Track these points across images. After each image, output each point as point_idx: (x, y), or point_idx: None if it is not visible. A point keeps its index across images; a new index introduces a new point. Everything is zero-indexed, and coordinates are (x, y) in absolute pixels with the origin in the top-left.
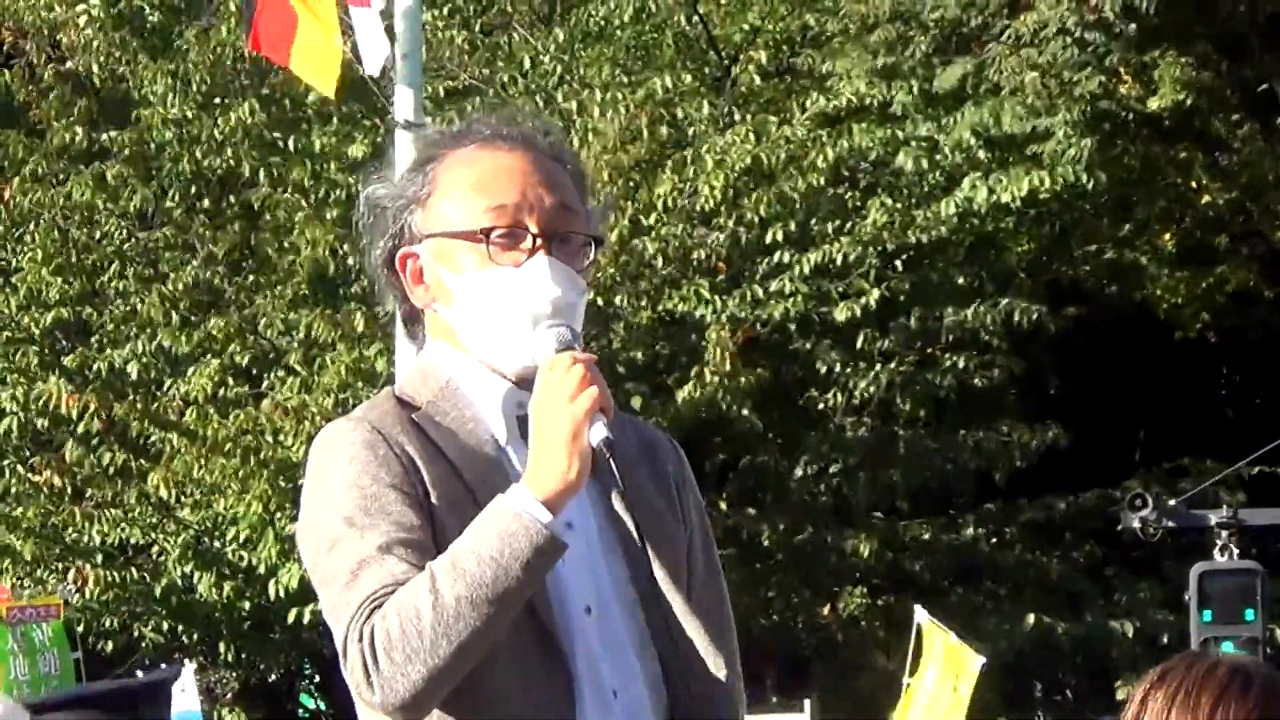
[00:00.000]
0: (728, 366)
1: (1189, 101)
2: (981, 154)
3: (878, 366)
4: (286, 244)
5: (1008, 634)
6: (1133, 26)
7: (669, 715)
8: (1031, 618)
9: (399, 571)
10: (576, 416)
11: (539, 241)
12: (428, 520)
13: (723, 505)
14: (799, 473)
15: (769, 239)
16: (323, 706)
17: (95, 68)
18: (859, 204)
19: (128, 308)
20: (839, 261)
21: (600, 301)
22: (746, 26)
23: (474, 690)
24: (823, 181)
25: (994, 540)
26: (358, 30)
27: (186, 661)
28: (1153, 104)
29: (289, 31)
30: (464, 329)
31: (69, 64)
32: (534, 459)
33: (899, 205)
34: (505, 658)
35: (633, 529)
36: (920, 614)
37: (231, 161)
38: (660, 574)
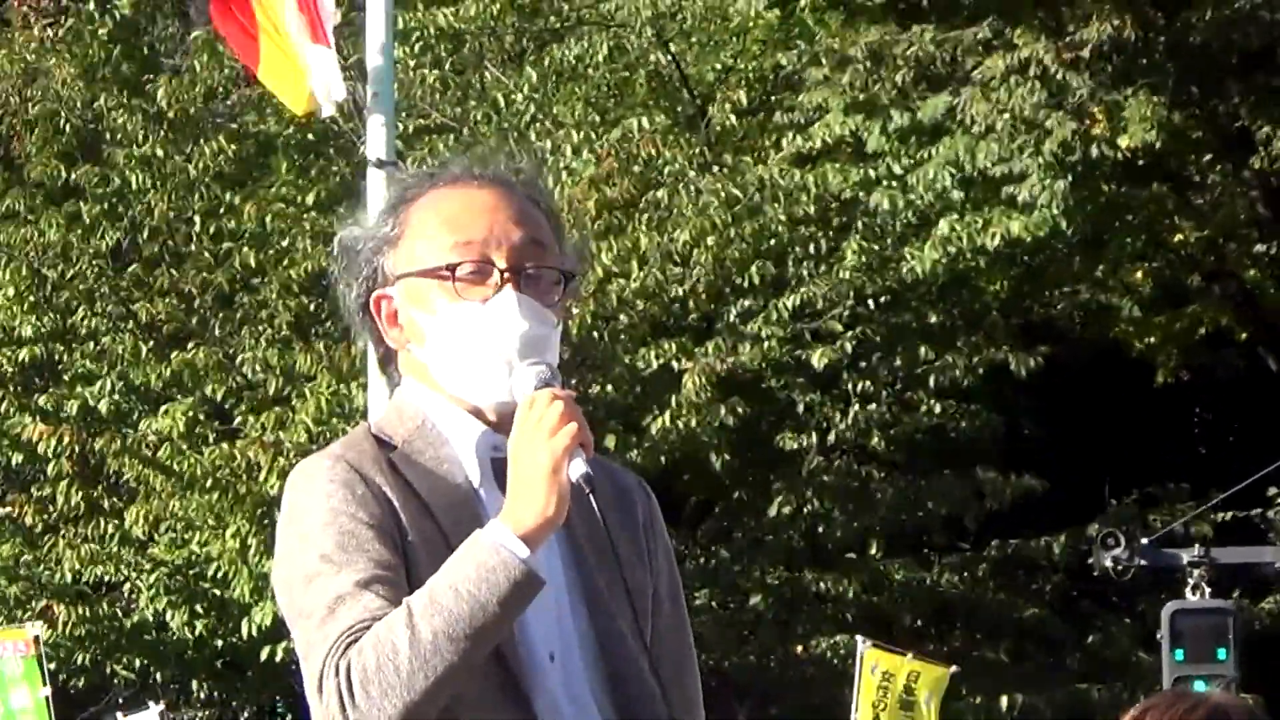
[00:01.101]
0: (707, 395)
1: (1158, 144)
2: (955, 194)
3: (855, 408)
4: (267, 279)
5: (984, 703)
6: (1105, 66)
7: None
8: (1005, 700)
9: (375, 607)
10: (556, 452)
11: (505, 276)
12: (402, 560)
13: (695, 546)
14: (773, 512)
15: (744, 282)
16: None
17: (67, 112)
18: (833, 245)
19: (99, 346)
20: (814, 306)
21: (575, 341)
22: (719, 66)
23: None
24: (806, 213)
25: (966, 576)
26: (315, 69)
27: (151, 704)
28: (1122, 142)
29: (254, 52)
30: (437, 368)
31: (41, 104)
32: (513, 494)
33: (875, 247)
34: (470, 702)
35: (599, 575)
36: (862, 644)
37: (202, 201)
38: (624, 622)
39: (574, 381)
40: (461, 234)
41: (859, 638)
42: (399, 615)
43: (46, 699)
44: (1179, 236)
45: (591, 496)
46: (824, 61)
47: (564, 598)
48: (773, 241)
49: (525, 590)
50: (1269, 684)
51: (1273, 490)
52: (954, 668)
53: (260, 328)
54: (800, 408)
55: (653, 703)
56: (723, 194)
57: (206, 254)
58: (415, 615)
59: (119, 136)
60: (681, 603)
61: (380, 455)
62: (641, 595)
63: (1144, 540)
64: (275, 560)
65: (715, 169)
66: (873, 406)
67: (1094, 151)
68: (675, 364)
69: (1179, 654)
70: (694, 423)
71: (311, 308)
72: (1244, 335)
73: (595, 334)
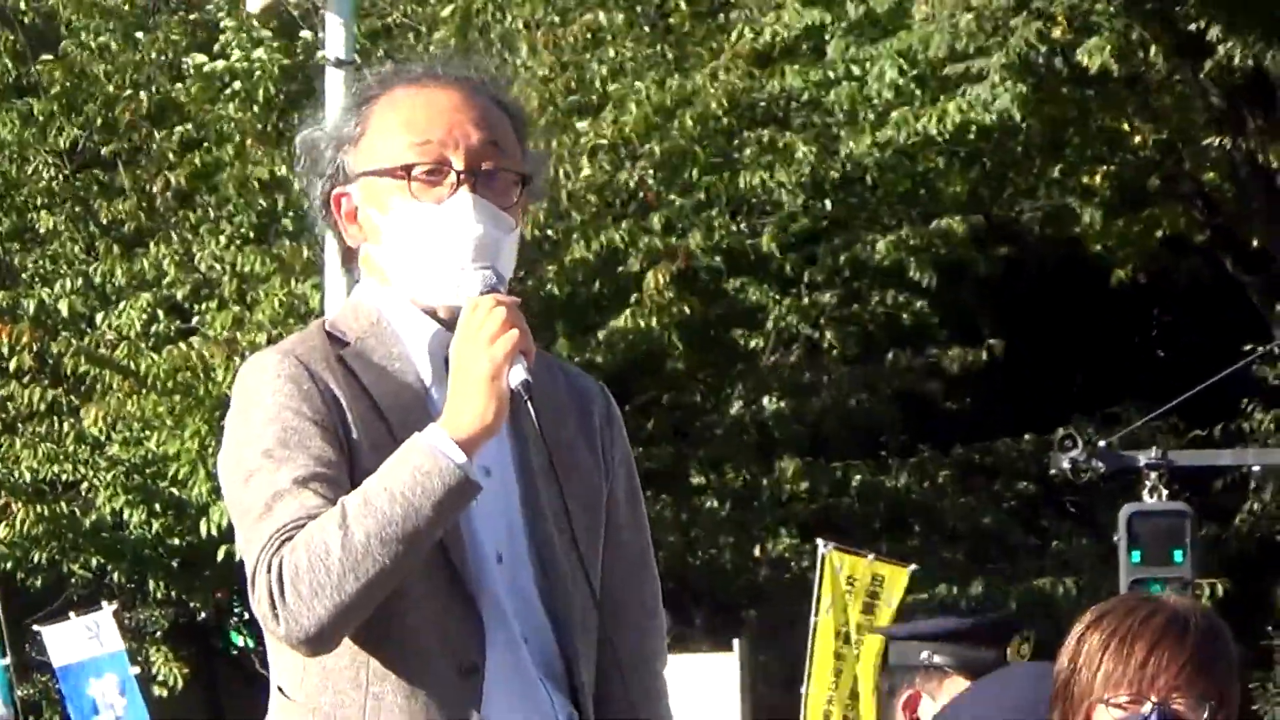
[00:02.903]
0: (668, 295)
1: (1119, 70)
2: (912, 87)
3: (805, 299)
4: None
5: (949, 594)
6: None
7: (576, 664)
8: (980, 585)
9: (312, 505)
10: (496, 358)
11: (462, 177)
12: (346, 458)
13: (648, 445)
14: (733, 410)
15: (693, 174)
16: (250, 644)
17: (22, 4)
18: (788, 143)
19: (57, 246)
20: (760, 190)
21: (538, 233)
22: None
23: (386, 629)
24: (754, 109)
25: (925, 484)
26: None
27: (104, 603)
28: (1081, 57)
29: None
30: (391, 267)
31: None
32: (452, 399)
33: (823, 140)
34: (418, 599)
35: (541, 481)
36: (824, 546)
37: (157, 92)
38: (558, 528)
39: (523, 274)
40: (419, 134)
41: (819, 541)
42: (332, 516)
43: None
44: (1137, 139)
45: (529, 404)
46: None
47: (514, 500)
48: (715, 127)
49: (460, 496)
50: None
51: (1244, 401)
52: (913, 566)
53: (221, 225)
54: (752, 303)
55: (577, 607)
56: (667, 83)
57: (166, 152)
58: (349, 516)
59: (73, 25)
60: (640, 505)
61: (331, 352)
62: (596, 498)
63: (1102, 443)
64: (221, 454)
65: (670, 62)
66: (820, 295)
67: (1055, 56)
68: (626, 248)
69: (1135, 556)
70: (655, 322)
71: (267, 206)
72: (1202, 238)
73: (550, 231)
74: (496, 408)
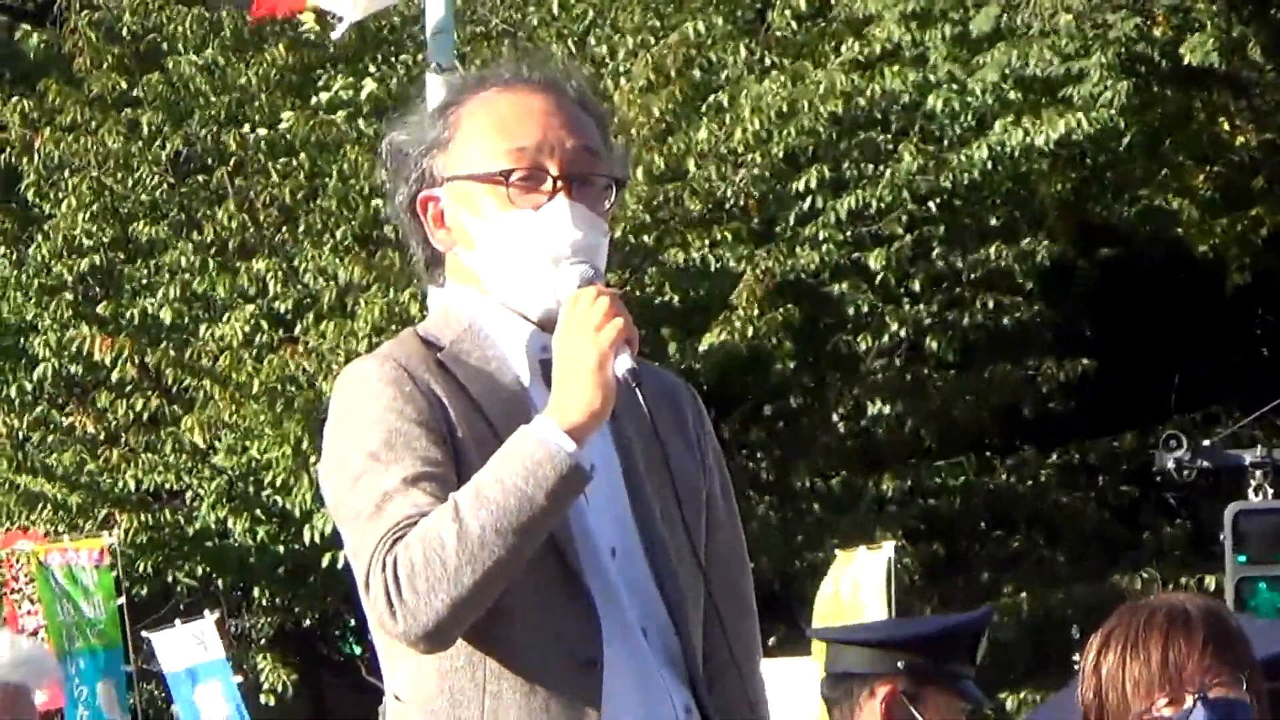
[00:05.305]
0: (755, 310)
1: (1221, 64)
2: (1013, 95)
3: (906, 307)
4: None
5: (1042, 595)
6: None
7: (694, 655)
8: (1061, 593)
9: (423, 504)
10: (602, 346)
11: (559, 184)
12: (451, 457)
13: (751, 450)
14: (834, 416)
15: (802, 185)
16: (357, 650)
17: (127, 15)
18: (891, 147)
19: (161, 256)
20: (872, 207)
21: (631, 241)
22: None
23: (501, 626)
24: (844, 107)
25: (1029, 483)
26: None
27: (206, 613)
28: (1184, 52)
29: None
30: (486, 273)
31: (100, 12)
32: (558, 389)
33: (931, 149)
34: (532, 595)
35: (647, 474)
36: (889, 549)
37: (262, 109)
38: (668, 521)
39: (628, 274)
40: (514, 139)
41: (887, 543)
42: (445, 510)
43: (120, 608)
44: (1240, 139)
45: (638, 391)
46: None
47: (621, 496)
48: (823, 136)
49: (572, 483)
50: None
51: None
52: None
53: (324, 237)
54: (855, 310)
55: (694, 598)
56: (782, 94)
57: (270, 167)
58: (462, 510)
59: (179, 44)
60: (733, 501)
61: (429, 355)
62: (693, 492)
63: (1206, 442)
64: (323, 461)
65: (774, 73)
66: (922, 305)
67: (1155, 54)
68: (731, 260)
69: (1241, 557)
70: (750, 333)
71: (367, 215)
72: None
73: (645, 237)
74: (604, 396)
